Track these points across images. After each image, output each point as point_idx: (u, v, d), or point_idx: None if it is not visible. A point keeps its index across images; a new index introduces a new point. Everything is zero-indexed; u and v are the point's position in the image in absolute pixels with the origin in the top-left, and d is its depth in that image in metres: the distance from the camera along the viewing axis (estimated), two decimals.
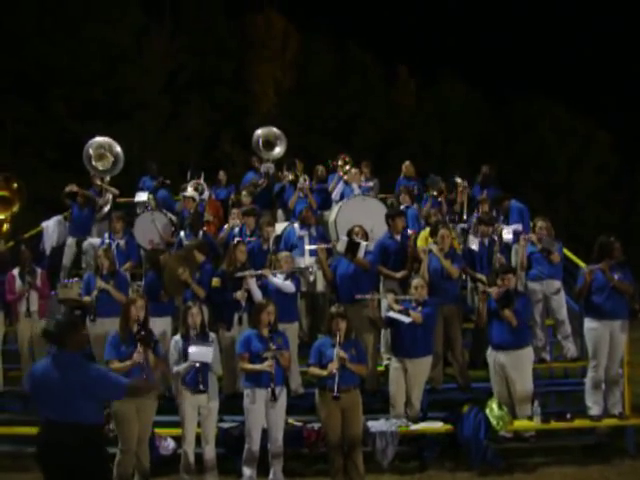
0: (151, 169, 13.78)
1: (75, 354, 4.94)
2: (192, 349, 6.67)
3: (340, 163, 11.95)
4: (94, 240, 11.12)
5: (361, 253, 8.48)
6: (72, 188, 11.63)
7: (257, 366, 6.74)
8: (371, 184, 12.13)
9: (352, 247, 8.48)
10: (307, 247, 9.45)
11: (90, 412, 4.88)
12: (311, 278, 9.45)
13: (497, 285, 7.90)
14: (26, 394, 8.66)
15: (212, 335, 7.24)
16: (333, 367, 6.61)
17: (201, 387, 6.76)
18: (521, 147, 34.45)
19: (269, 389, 6.69)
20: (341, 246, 8.60)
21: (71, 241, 11.55)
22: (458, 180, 12.06)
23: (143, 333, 6.69)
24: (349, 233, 8.80)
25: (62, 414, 4.79)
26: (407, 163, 13.10)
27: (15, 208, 9.43)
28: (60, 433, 4.78)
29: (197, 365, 6.68)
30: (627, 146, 33.43)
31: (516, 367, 7.65)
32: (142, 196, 12.14)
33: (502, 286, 7.83)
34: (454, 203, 11.81)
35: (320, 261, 8.86)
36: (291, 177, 11.81)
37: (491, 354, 7.90)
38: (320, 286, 9.56)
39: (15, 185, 9.47)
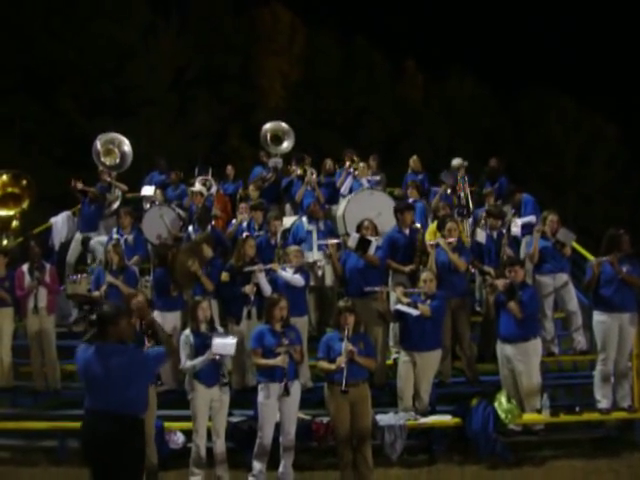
0: (159, 164, 13.82)
1: (116, 345, 4.97)
2: (216, 341, 6.64)
3: (348, 163, 11.92)
4: (101, 238, 11.12)
5: (372, 249, 8.49)
6: (78, 185, 11.65)
7: (270, 361, 6.72)
8: (378, 178, 12.11)
9: (363, 244, 8.49)
10: (318, 242, 9.46)
11: (133, 402, 4.95)
12: (319, 272, 9.47)
13: (504, 277, 7.87)
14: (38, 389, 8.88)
15: (220, 329, 7.24)
16: (341, 361, 6.60)
17: (224, 380, 6.80)
18: (529, 141, 34.37)
19: (282, 384, 6.69)
20: (352, 242, 8.58)
21: (78, 236, 11.62)
22: (455, 162, 12.02)
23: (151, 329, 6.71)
24: (359, 228, 8.80)
25: (104, 403, 4.86)
26: (414, 158, 13.10)
27: (25, 205, 9.49)
28: (101, 422, 4.85)
29: (217, 358, 6.67)
30: (636, 139, 33.30)
31: (522, 359, 7.61)
32: (148, 190, 12.18)
33: (509, 278, 7.81)
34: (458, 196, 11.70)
35: (331, 255, 8.87)
36: (299, 171, 11.80)
37: (498, 346, 7.88)
38: (328, 280, 9.57)
39: (24, 182, 9.54)
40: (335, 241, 9.08)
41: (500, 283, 7.76)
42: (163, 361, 5.33)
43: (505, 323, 7.71)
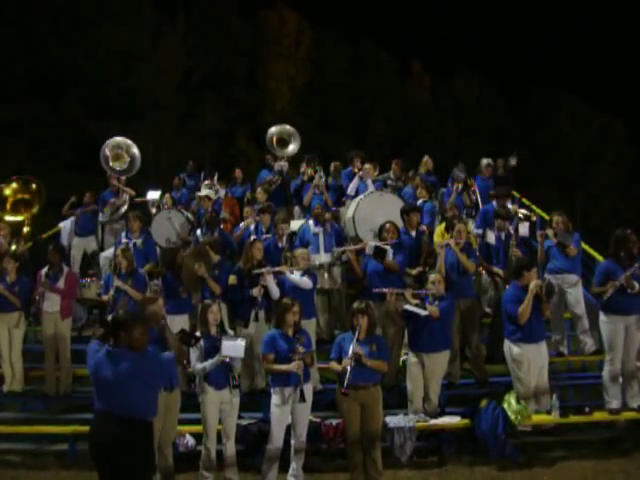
0: (188, 167, 14.14)
1: (127, 350, 4.99)
2: (225, 344, 6.64)
3: (356, 164, 11.92)
4: (107, 252, 11.13)
5: (389, 257, 8.55)
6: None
7: (283, 367, 6.66)
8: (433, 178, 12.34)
9: (379, 252, 8.55)
10: (342, 248, 9.47)
11: (140, 406, 4.99)
12: (326, 275, 9.49)
13: (514, 279, 7.76)
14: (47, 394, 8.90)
15: (231, 332, 7.26)
16: (346, 363, 6.58)
17: (234, 382, 6.79)
18: (537, 140, 34.27)
19: (298, 390, 6.63)
20: (369, 251, 8.64)
21: (77, 241, 11.77)
22: (483, 162, 12.06)
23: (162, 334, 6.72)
24: (380, 231, 8.87)
25: (112, 407, 4.91)
26: (426, 158, 13.06)
27: (35, 210, 9.53)
28: (109, 425, 4.90)
29: (227, 360, 6.68)
30: None
31: (542, 358, 7.59)
32: (154, 194, 12.22)
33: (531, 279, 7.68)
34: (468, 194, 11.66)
35: (351, 260, 8.88)
36: (310, 172, 11.76)
37: (518, 348, 7.56)
38: (337, 283, 9.59)
39: (34, 186, 9.57)
40: (356, 247, 9.09)
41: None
42: (171, 367, 5.34)
43: (529, 324, 7.51)
